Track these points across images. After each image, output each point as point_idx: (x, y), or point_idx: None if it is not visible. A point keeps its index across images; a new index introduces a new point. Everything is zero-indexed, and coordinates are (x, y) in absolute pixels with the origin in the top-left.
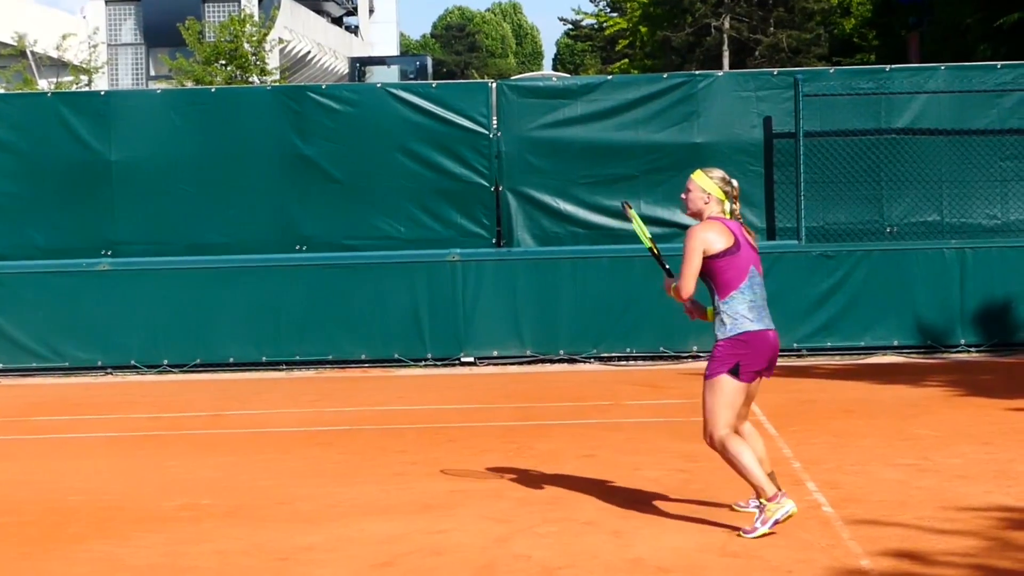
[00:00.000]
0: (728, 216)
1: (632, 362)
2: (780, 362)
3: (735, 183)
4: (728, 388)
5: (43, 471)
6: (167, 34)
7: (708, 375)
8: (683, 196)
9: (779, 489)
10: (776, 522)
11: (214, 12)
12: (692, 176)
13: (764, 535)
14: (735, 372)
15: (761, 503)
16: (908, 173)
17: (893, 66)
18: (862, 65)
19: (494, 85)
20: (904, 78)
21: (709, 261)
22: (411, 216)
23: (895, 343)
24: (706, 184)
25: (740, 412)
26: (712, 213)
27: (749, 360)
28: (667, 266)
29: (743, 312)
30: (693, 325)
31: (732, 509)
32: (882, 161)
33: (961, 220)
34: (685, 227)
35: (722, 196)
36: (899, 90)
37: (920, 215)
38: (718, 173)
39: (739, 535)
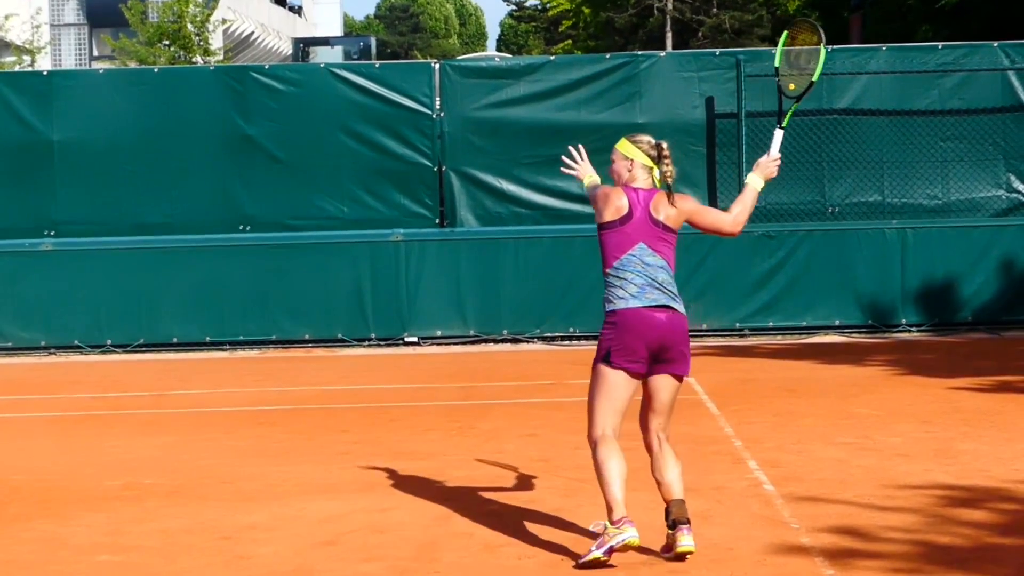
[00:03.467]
0: (658, 183)
1: (575, 342)
2: (721, 342)
3: (664, 145)
4: (602, 379)
5: None
6: (110, 14)
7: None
8: (610, 171)
9: (626, 515)
10: (611, 548)
11: None
12: (616, 145)
13: (595, 560)
14: (607, 359)
15: (605, 525)
16: (849, 153)
17: (835, 46)
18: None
19: (437, 66)
20: (846, 58)
21: (598, 231)
22: (354, 196)
23: (837, 323)
24: (627, 150)
25: (651, 422)
26: (639, 181)
27: (621, 344)
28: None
29: (616, 291)
30: None
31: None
32: (824, 141)
33: (902, 200)
34: None
35: (647, 161)
36: (841, 70)
37: (861, 195)
38: (644, 138)
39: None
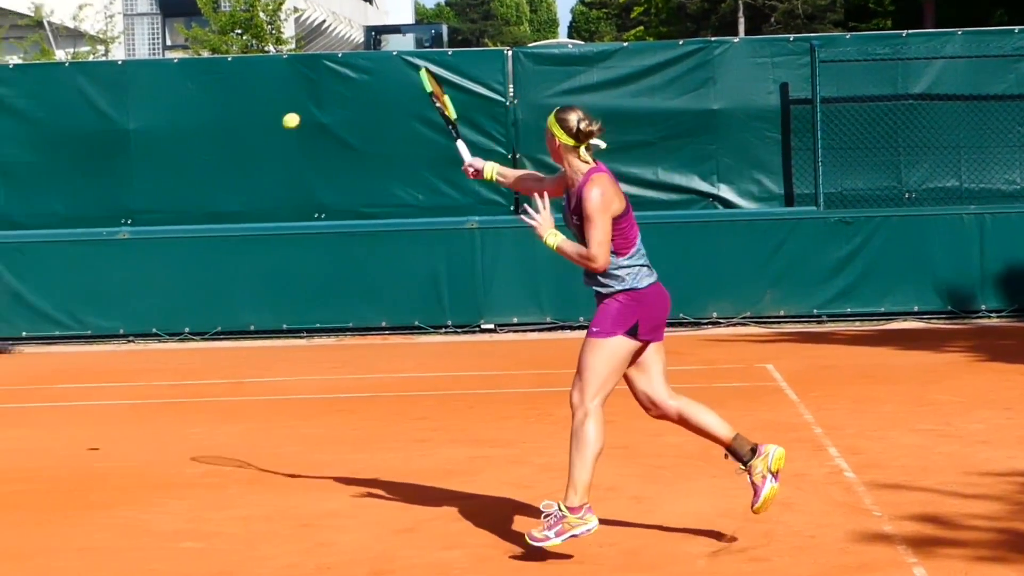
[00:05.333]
0: (582, 163)
1: None
2: (799, 328)
3: (586, 125)
4: (621, 352)
5: (66, 439)
6: (183, 4)
7: (599, 333)
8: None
9: (587, 503)
10: (572, 537)
11: None
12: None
13: (552, 547)
14: (633, 332)
15: (561, 510)
16: (926, 139)
17: (909, 31)
18: (878, 31)
19: (510, 53)
20: (921, 43)
21: (616, 222)
22: (429, 184)
23: (915, 309)
24: (552, 127)
25: (663, 387)
26: (573, 161)
27: (649, 318)
28: (457, 135)
29: (637, 272)
30: (713, 291)
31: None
32: (899, 127)
33: (980, 185)
34: (704, 194)
35: (569, 140)
36: (915, 55)
37: (938, 181)
38: (572, 114)
39: (525, 537)
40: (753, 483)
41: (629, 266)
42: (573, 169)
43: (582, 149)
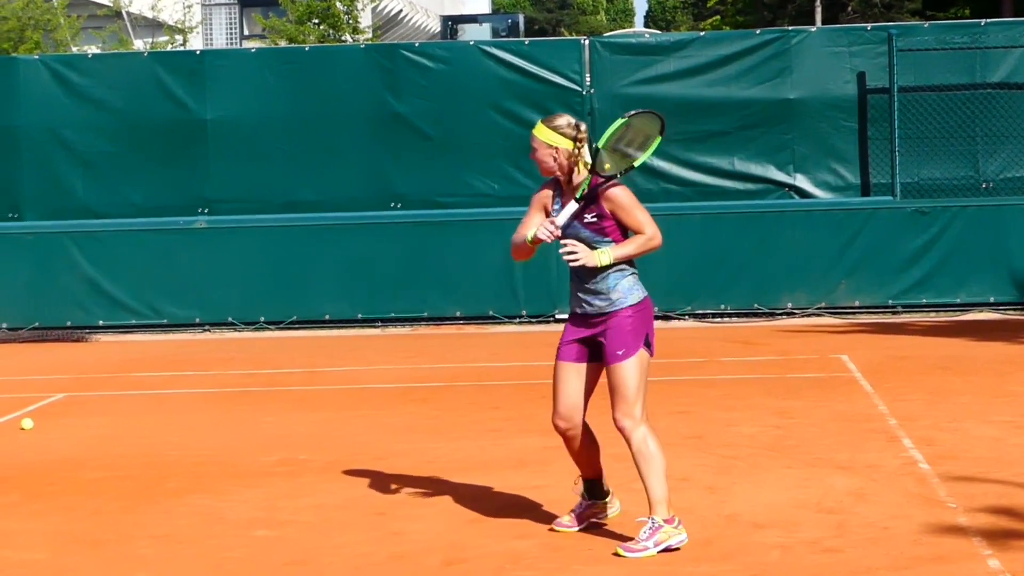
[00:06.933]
0: (584, 167)
1: (726, 319)
2: (874, 318)
3: (583, 127)
4: (646, 362)
5: (142, 426)
6: None
7: (626, 354)
8: (532, 157)
9: (677, 517)
10: (668, 548)
11: None
12: (533, 131)
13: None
14: (648, 344)
15: (655, 522)
16: (1004, 128)
17: (988, 20)
18: (956, 19)
19: (587, 42)
20: (999, 32)
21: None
22: (504, 173)
23: (991, 300)
24: (548, 136)
25: (588, 397)
26: (575, 166)
27: (652, 332)
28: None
29: (638, 279)
30: (788, 281)
31: (551, 529)
32: (977, 116)
33: None
34: (780, 183)
35: (570, 145)
36: (994, 44)
37: (1016, 170)
38: (562, 120)
39: (616, 552)
40: (586, 514)
41: (633, 271)
42: (578, 175)
43: (583, 153)
